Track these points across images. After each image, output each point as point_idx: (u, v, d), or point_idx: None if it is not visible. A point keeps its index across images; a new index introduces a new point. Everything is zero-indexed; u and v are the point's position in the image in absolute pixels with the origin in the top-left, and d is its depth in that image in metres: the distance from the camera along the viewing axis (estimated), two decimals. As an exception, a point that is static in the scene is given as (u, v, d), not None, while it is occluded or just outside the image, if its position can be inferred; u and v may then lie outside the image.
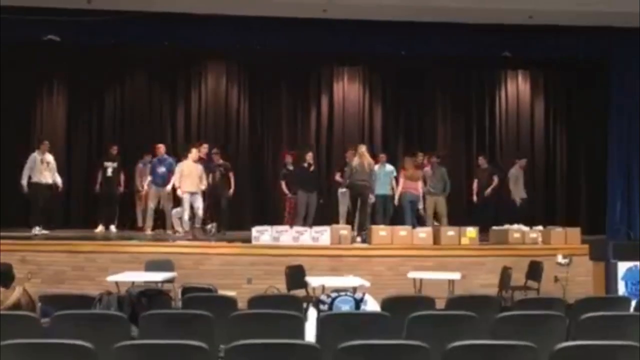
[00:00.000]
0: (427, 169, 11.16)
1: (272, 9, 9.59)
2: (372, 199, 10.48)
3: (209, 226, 10.43)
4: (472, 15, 9.71)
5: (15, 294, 4.38)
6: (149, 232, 10.85)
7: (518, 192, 11.68)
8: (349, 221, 10.65)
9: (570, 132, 13.45)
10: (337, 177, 11.34)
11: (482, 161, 12.05)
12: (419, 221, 10.75)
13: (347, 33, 10.53)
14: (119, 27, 10.09)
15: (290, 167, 11.38)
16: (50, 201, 10.64)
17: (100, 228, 10.99)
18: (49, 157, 10.33)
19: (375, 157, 10.99)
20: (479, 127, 13.63)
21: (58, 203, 12.33)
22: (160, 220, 11.17)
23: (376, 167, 10.71)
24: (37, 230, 10.00)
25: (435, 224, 10.57)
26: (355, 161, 10.31)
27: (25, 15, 9.44)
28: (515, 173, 11.85)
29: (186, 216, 10.22)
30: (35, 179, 10.12)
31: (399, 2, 9.23)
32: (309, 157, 11.16)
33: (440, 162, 11.23)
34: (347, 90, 13.55)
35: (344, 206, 11.19)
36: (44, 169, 10.18)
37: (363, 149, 10.47)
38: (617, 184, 10.95)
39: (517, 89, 13.69)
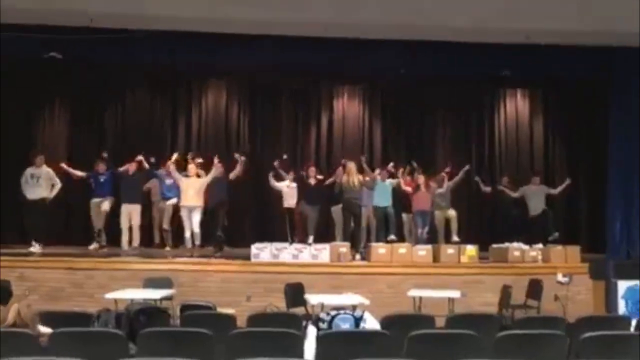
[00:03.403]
0: (433, 184, 11.16)
1: (273, 28, 9.66)
2: (368, 215, 10.53)
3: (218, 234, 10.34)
4: (471, 34, 9.78)
5: (11, 312, 4.36)
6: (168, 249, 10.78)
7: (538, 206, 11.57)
8: (347, 238, 10.64)
9: (569, 150, 13.48)
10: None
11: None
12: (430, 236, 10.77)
13: (347, 51, 10.59)
14: (120, 45, 10.15)
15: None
16: (44, 216, 10.39)
17: (94, 245, 10.82)
18: (42, 171, 10.23)
19: (373, 171, 11.04)
20: (478, 145, 13.66)
21: (58, 219, 12.35)
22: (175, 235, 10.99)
23: (378, 180, 10.73)
24: (33, 246, 9.93)
25: (456, 239, 10.61)
26: (344, 179, 10.35)
27: (27, 33, 9.50)
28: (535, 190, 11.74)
29: (187, 234, 10.17)
30: (25, 195, 10.07)
31: (398, 22, 9.29)
32: (312, 171, 11.20)
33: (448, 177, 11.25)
34: (347, 108, 13.63)
35: (339, 223, 11.20)
36: (33, 184, 10.12)
37: (350, 165, 10.48)
38: (617, 203, 10.93)
39: (516, 107, 13.75)
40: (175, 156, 10.67)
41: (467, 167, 11.65)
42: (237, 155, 11.04)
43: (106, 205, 10.51)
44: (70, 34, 9.68)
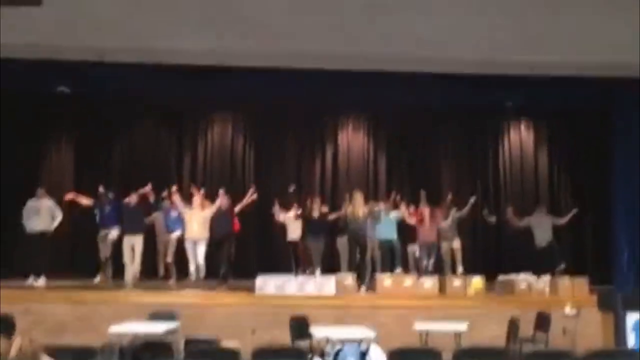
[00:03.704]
0: (442, 219, 11.13)
1: (278, 60, 9.77)
2: (373, 247, 10.49)
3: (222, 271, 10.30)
4: (475, 66, 9.85)
5: (14, 346, 4.34)
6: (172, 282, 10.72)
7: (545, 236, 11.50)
8: (352, 269, 10.58)
9: (574, 180, 13.47)
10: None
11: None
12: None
13: (351, 83, 10.68)
14: (128, 79, 10.27)
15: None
16: (45, 249, 10.34)
17: (98, 278, 10.79)
18: (42, 204, 10.25)
19: (378, 203, 11.04)
20: (483, 176, 13.68)
21: (63, 251, 12.36)
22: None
23: (382, 213, 10.72)
24: (36, 280, 9.88)
25: (460, 270, 10.59)
26: (349, 210, 10.33)
27: (36, 68, 9.63)
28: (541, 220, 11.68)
29: (192, 267, 10.13)
30: (25, 227, 10.08)
31: (403, 54, 9.37)
32: (316, 204, 11.21)
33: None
34: (352, 139, 13.69)
35: (344, 254, 11.15)
36: (33, 216, 10.13)
37: (356, 196, 10.45)
38: (623, 233, 10.89)
39: (520, 138, 13.79)
40: (174, 188, 10.66)
41: (473, 199, 11.60)
42: (252, 191, 10.98)
43: (113, 234, 10.53)
44: (80, 68, 9.81)
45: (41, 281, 9.96)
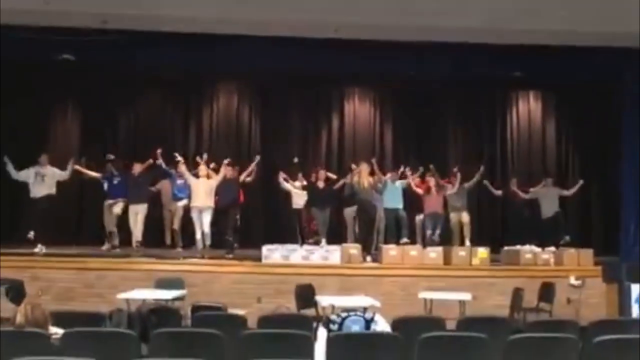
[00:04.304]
0: (449, 185, 11.10)
1: (283, 29, 9.68)
2: (380, 217, 10.50)
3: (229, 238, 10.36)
4: (482, 35, 9.75)
5: (18, 314, 4.34)
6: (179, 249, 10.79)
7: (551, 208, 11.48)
8: (358, 240, 10.62)
9: (582, 152, 13.40)
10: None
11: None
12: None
13: (357, 53, 10.58)
14: (133, 47, 10.20)
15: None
16: (48, 213, 10.26)
17: (106, 245, 10.84)
18: (47, 170, 10.24)
19: (384, 174, 11.04)
20: (490, 146, 13.61)
21: (71, 219, 12.44)
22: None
23: (388, 182, 10.71)
24: (37, 247, 9.93)
25: (468, 244, 10.51)
26: (354, 180, 10.31)
27: (40, 35, 9.57)
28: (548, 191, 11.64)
29: (198, 235, 10.20)
30: (31, 194, 10.13)
31: (409, 23, 9.28)
32: (321, 174, 11.20)
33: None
34: (358, 110, 13.62)
35: (350, 225, 11.18)
36: (38, 183, 10.15)
37: (362, 167, 10.41)
38: (630, 205, 10.85)
39: (528, 109, 13.69)
40: (180, 157, 10.66)
41: (482, 169, 11.53)
42: (257, 159, 10.97)
43: (118, 207, 10.56)
44: (84, 35, 9.74)
45: (41, 248, 9.94)
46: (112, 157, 10.96)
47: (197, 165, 10.64)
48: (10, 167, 10.10)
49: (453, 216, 11.04)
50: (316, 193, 11.05)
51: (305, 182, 11.41)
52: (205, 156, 10.76)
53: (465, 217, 10.99)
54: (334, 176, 11.50)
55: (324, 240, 10.63)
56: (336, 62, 11.03)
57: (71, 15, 9.07)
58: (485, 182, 11.96)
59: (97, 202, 11.22)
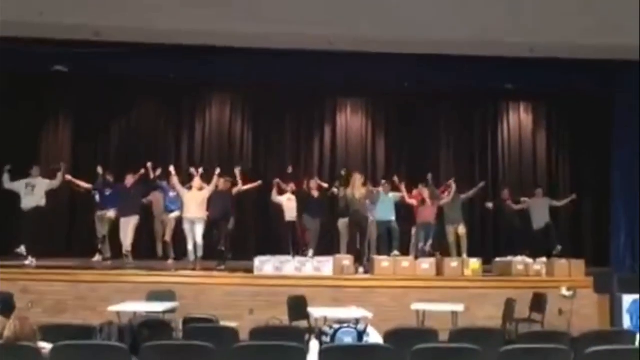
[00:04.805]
0: (444, 195, 11.11)
1: (277, 41, 9.73)
2: (371, 225, 10.50)
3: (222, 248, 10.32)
4: (474, 47, 9.82)
5: (7, 328, 4.28)
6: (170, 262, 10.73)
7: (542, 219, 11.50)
8: (351, 251, 10.61)
9: (573, 163, 13.47)
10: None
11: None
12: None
13: (350, 65, 10.64)
14: (126, 59, 10.22)
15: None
16: (38, 225, 10.29)
17: (97, 257, 10.78)
18: (37, 182, 10.21)
19: (377, 186, 11.07)
20: (482, 158, 13.66)
21: (61, 231, 12.37)
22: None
23: (381, 193, 10.72)
24: (28, 260, 9.85)
25: (438, 256, 10.47)
26: (348, 192, 10.33)
27: (33, 47, 9.57)
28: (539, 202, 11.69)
29: (190, 246, 10.16)
30: (22, 205, 10.09)
31: (402, 36, 9.35)
32: (314, 184, 11.20)
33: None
34: (350, 121, 13.66)
35: (344, 236, 11.16)
36: (28, 194, 10.12)
37: (355, 177, 10.43)
38: (621, 216, 10.92)
39: (519, 120, 13.75)
40: (171, 169, 10.64)
41: (482, 184, 11.64)
42: (237, 170, 10.99)
43: (111, 213, 10.56)
44: (76, 47, 9.75)
45: (31, 260, 9.87)
46: (100, 171, 10.91)
47: (191, 177, 10.63)
48: (5, 177, 10.08)
49: (449, 229, 10.99)
50: (311, 202, 11.04)
51: (295, 190, 11.36)
52: (201, 170, 10.74)
53: (462, 229, 10.90)
54: (325, 185, 11.51)
55: (311, 251, 10.57)
56: (328, 73, 11.08)
57: (64, 27, 9.08)
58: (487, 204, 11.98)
59: (88, 214, 11.18)
